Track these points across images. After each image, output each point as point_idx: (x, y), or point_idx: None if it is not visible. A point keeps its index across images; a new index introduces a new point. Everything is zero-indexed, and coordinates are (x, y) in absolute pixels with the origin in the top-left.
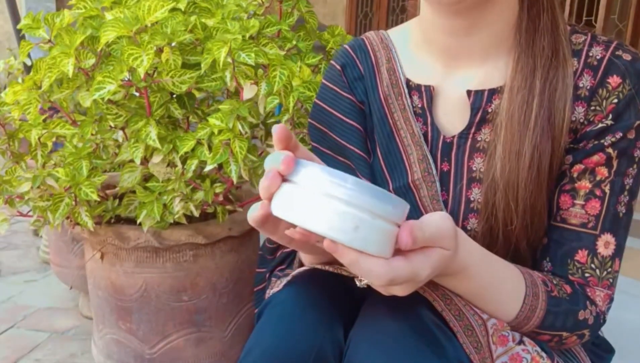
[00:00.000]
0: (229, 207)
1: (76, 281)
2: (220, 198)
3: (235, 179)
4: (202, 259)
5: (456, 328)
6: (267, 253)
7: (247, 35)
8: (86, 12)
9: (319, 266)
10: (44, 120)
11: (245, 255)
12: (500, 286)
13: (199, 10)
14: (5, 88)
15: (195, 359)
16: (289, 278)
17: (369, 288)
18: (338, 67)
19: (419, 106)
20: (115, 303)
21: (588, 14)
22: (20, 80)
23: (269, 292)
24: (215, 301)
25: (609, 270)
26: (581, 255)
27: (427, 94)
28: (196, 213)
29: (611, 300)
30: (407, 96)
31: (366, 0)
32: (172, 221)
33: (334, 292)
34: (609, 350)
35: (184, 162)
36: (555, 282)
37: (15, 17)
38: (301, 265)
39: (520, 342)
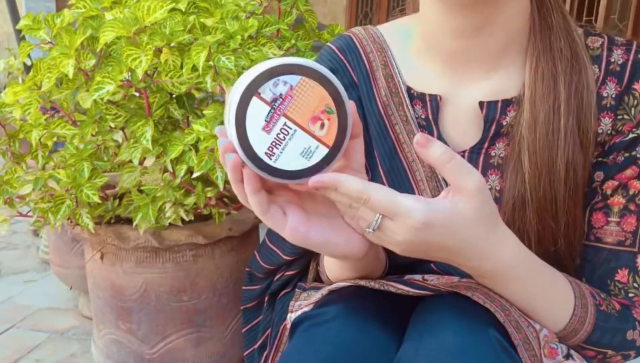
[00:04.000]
0: (223, 210)
1: (76, 282)
2: (213, 202)
3: (221, 186)
4: (202, 259)
5: (517, 341)
6: (260, 272)
7: (246, 35)
8: (86, 12)
9: (362, 283)
10: (45, 120)
11: (245, 255)
12: (549, 293)
13: (197, 10)
14: (5, 88)
15: (195, 359)
16: (324, 292)
17: (415, 297)
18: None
19: (423, 117)
20: (115, 303)
21: (588, 14)
22: (20, 80)
23: (294, 304)
24: (215, 302)
25: None
26: (621, 275)
27: (433, 104)
28: (187, 218)
29: None
30: (410, 106)
31: (366, 0)
32: (167, 224)
33: (381, 308)
34: None
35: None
36: (603, 296)
37: (15, 17)
38: (317, 280)
39: (568, 356)
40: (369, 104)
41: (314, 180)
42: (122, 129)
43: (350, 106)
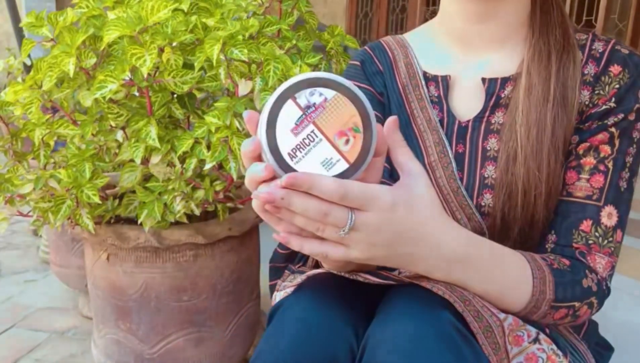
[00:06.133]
0: (229, 205)
1: (76, 281)
2: (221, 196)
3: (235, 176)
4: (202, 259)
5: (476, 329)
6: (280, 261)
7: (247, 34)
8: (88, 11)
9: (334, 271)
10: (47, 120)
11: (245, 255)
12: (508, 265)
13: (198, 10)
14: (5, 88)
15: (195, 359)
16: (303, 277)
17: (383, 287)
18: (357, 63)
19: (435, 95)
20: (115, 303)
21: (588, 14)
22: (20, 80)
23: (280, 284)
24: (215, 301)
25: (611, 239)
26: (585, 225)
27: (444, 83)
28: (197, 212)
29: (612, 267)
30: (425, 87)
31: (366, 0)
32: (173, 220)
33: (348, 296)
34: (609, 348)
35: (183, 161)
36: (553, 257)
37: (15, 17)
38: (316, 265)
39: (536, 340)
40: (391, 86)
41: (287, 176)
42: (123, 128)
43: (377, 128)
